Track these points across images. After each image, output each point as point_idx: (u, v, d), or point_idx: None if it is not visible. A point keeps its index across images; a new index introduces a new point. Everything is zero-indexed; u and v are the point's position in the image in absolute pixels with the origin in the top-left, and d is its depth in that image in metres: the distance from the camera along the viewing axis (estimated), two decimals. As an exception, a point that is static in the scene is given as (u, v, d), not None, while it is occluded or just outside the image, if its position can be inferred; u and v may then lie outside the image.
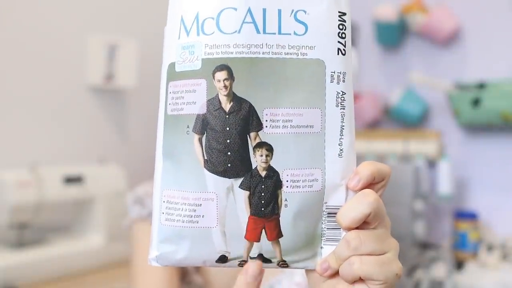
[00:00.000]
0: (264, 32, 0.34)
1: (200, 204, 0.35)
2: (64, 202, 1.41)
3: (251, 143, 0.35)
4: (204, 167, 0.35)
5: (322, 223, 0.36)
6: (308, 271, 0.38)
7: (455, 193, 1.75)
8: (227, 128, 0.34)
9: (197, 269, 0.76)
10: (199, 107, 0.35)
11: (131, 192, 0.82)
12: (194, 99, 0.35)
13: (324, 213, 0.36)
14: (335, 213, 0.36)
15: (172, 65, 0.36)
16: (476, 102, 1.61)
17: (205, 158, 0.35)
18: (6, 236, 1.36)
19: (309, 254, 0.36)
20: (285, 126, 0.34)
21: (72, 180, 1.40)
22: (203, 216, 0.35)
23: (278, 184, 0.35)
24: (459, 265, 1.59)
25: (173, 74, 0.36)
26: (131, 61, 1.72)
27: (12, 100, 1.48)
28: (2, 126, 1.46)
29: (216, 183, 0.35)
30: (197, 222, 0.35)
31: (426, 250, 1.69)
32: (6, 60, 1.47)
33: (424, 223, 1.68)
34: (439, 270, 1.53)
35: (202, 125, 0.35)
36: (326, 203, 0.36)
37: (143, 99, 1.88)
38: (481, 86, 1.63)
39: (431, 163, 1.76)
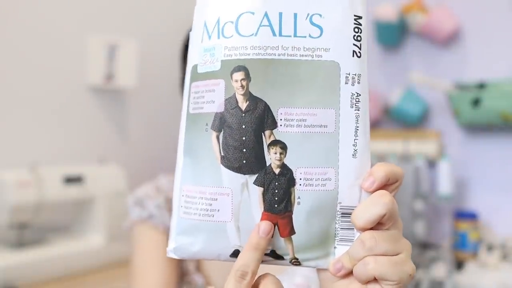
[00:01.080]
0: (280, 34, 0.36)
1: (216, 199, 0.36)
2: (64, 202, 1.41)
3: (266, 141, 0.35)
4: (221, 163, 0.36)
5: (335, 223, 0.36)
6: (320, 270, 0.38)
7: (455, 193, 1.75)
8: (243, 126, 0.35)
9: (198, 268, 0.76)
10: (218, 105, 0.36)
11: (132, 194, 0.82)
12: (213, 98, 0.36)
13: (338, 213, 0.36)
14: (349, 214, 0.36)
15: (195, 67, 0.38)
16: (476, 102, 1.61)
17: (222, 154, 0.36)
18: (6, 236, 1.36)
19: (321, 253, 0.36)
20: (299, 125, 0.35)
21: (72, 180, 1.40)
22: (218, 210, 0.36)
23: (292, 182, 0.35)
24: (459, 265, 1.59)
25: (196, 75, 0.38)
26: (131, 61, 1.72)
27: (12, 100, 1.48)
28: (2, 126, 1.46)
29: (232, 179, 0.36)
30: (213, 216, 0.36)
31: (426, 250, 1.69)
32: (6, 60, 1.47)
33: (424, 223, 1.68)
34: (439, 270, 1.53)
35: (220, 123, 0.36)
36: (340, 203, 0.36)
37: (143, 99, 1.88)
38: (481, 86, 1.63)
39: (431, 163, 1.76)
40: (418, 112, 1.81)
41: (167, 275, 0.72)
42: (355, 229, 0.36)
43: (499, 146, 1.73)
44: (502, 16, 1.73)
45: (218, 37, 0.37)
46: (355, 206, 0.36)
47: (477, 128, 1.77)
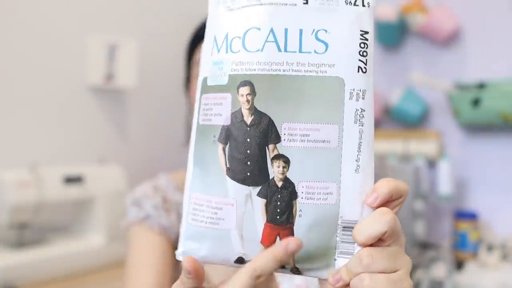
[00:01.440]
0: (285, 50, 0.36)
1: (221, 208, 0.37)
2: (64, 202, 1.41)
3: (269, 155, 0.36)
4: (226, 174, 0.37)
5: (336, 236, 0.37)
6: (321, 279, 0.39)
7: (455, 193, 1.75)
8: (248, 140, 0.36)
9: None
10: (224, 118, 0.37)
11: (131, 193, 0.82)
12: (221, 111, 0.37)
13: (339, 226, 0.36)
14: (350, 227, 0.36)
15: (205, 80, 0.39)
16: (476, 102, 1.61)
17: (227, 166, 0.37)
18: (6, 236, 1.36)
19: (322, 264, 0.37)
20: (303, 140, 0.36)
21: (72, 180, 1.40)
22: (223, 219, 0.37)
23: (294, 195, 0.36)
24: (459, 265, 1.59)
25: (205, 88, 0.39)
26: (131, 61, 1.72)
27: (12, 100, 1.48)
28: (2, 126, 1.46)
29: (236, 190, 0.37)
30: (218, 224, 0.37)
31: (426, 250, 1.69)
32: (6, 60, 1.47)
33: (424, 223, 1.68)
34: (439, 270, 1.53)
35: (226, 135, 0.37)
36: (341, 217, 0.36)
37: (143, 99, 1.88)
38: (481, 86, 1.63)
39: (431, 163, 1.76)
40: (418, 112, 1.81)
41: (161, 276, 0.72)
42: (355, 243, 0.37)
43: (499, 146, 1.73)
44: (502, 16, 1.73)
45: (226, 52, 0.38)
46: (357, 221, 0.36)
47: (477, 128, 1.77)
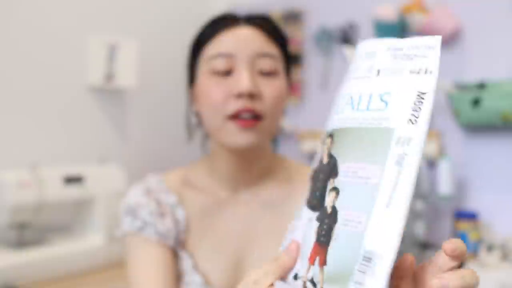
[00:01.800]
0: (357, 109, 0.46)
1: (298, 228, 0.47)
2: (64, 202, 1.41)
3: (329, 187, 0.44)
4: (306, 201, 0.47)
5: (356, 263, 0.40)
6: None
7: (455, 193, 1.75)
8: (320, 175, 0.46)
9: (195, 268, 0.76)
10: (318, 159, 0.48)
11: (124, 201, 0.80)
12: (320, 153, 0.49)
13: (361, 255, 0.40)
14: (369, 258, 0.39)
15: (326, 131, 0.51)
16: (476, 102, 1.61)
17: (307, 195, 0.47)
18: (6, 236, 1.36)
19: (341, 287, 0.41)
20: (353, 176, 0.43)
21: (72, 180, 1.40)
22: (296, 235, 0.46)
23: (335, 221, 0.42)
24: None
25: (323, 134, 0.50)
26: (131, 61, 1.72)
27: (12, 100, 1.48)
28: (2, 126, 1.46)
29: (306, 214, 0.46)
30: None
31: (426, 250, 1.69)
32: (7, 60, 1.47)
33: (424, 223, 1.68)
34: (439, 270, 1.53)
35: (315, 171, 0.48)
36: (364, 246, 0.40)
37: (143, 99, 1.88)
38: (481, 86, 1.63)
39: (431, 163, 1.76)
40: (418, 112, 1.81)
41: (164, 285, 0.72)
42: (365, 275, 0.39)
43: (499, 146, 1.73)
44: (502, 16, 1.73)
45: (335, 113, 0.49)
46: (375, 251, 0.39)
47: (477, 128, 1.77)
